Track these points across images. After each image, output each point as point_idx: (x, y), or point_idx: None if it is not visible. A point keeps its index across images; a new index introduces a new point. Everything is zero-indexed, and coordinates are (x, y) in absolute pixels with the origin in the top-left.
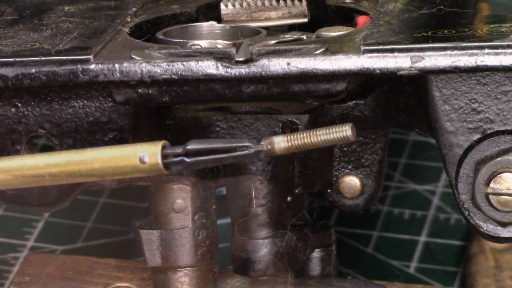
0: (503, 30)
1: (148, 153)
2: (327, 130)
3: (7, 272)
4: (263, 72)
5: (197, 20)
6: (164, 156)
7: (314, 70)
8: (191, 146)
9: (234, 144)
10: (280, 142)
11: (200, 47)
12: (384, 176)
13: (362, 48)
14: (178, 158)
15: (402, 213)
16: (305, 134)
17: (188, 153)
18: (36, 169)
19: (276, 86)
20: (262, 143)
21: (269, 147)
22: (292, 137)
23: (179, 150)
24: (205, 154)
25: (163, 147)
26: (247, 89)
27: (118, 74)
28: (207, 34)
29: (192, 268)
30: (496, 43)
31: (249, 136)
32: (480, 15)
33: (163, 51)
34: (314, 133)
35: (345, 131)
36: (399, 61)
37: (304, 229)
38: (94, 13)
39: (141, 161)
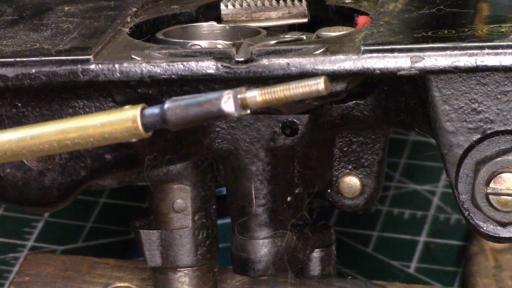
0: (503, 30)
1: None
2: (300, 84)
3: (7, 272)
4: (263, 72)
5: (197, 20)
6: (143, 119)
7: (314, 70)
8: (169, 104)
9: (211, 109)
10: (255, 96)
11: (200, 47)
12: (384, 176)
13: (362, 48)
14: (158, 121)
15: (402, 213)
16: (278, 88)
17: (167, 112)
18: (23, 141)
19: None
20: (238, 95)
21: (243, 99)
22: (265, 90)
23: (156, 110)
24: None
25: (142, 110)
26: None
27: (118, 74)
28: (207, 34)
29: (192, 268)
30: (496, 43)
31: (249, 136)
32: (480, 15)
33: (163, 51)
34: (287, 86)
35: (318, 84)
36: (399, 61)
37: (304, 229)
38: (94, 13)
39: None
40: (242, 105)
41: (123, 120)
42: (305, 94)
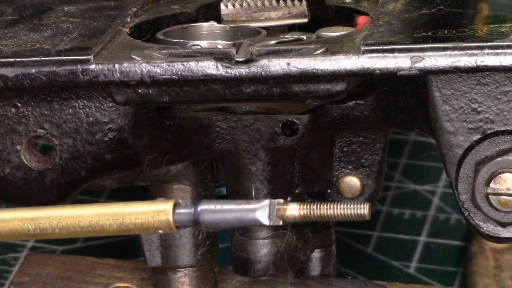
0: (503, 30)
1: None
2: (344, 206)
3: (7, 272)
4: (263, 72)
5: (197, 20)
6: (175, 216)
7: (314, 70)
8: (203, 207)
9: (245, 217)
10: (294, 210)
11: (200, 47)
12: (384, 176)
13: (362, 48)
14: (190, 221)
15: (402, 213)
16: (320, 206)
17: (199, 213)
18: (50, 221)
19: (276, 86)
20: (278, 220)
21: (281, 216)
22: (306, 206)
23: (191, 214)
24: (216, 224)
25: (174, 207)
26: (247, 89)
27: (118, 74)
28: (207, 35)
29: (192, 268)
30: (496, 43)
31: (249, 136)
32: (480, 15)
33: (163, 51)
34: (331, 206)
35: (362, 209)
36: (399, 61)
37: (304, 229)
38: (94, 13)
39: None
40: (278, 216)
41: (155, 213)
42: (347, 216)
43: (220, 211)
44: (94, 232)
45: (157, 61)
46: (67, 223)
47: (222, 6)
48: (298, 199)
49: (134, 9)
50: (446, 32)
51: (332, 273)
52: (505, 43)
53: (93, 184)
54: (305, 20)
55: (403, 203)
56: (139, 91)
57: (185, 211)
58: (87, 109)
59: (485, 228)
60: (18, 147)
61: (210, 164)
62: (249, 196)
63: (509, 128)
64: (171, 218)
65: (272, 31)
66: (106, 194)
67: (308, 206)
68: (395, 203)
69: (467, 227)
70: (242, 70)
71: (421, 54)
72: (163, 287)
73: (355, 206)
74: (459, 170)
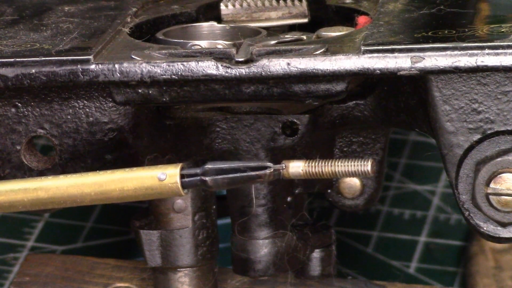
0: (503, 30)
1: (167, 174)
2: (347, 163)
3: (7, 272)
4: (263, 72)
5: (197, 20)
6: (182, 176)
7: (314, 70)
8: (209, 166)
9: (252, 164)
10: (299, 167)
11: (200, 47)
12: (384, 176)
13: (362, 48)
14: (197, 178)
15: (402, 213)
16: (324, 163)
17: (206, 174)
18: (54, 190)
19: (276, 86)
20: (282, 164)
21: (286, 170)
22: (310, 163)
23: (197, 170)
24: (223, 174)
25: (182, 168)
26: (247, 89)
27: (118, 74)
28: (207, 35)
29: (192, 268)
30: (496, 43)
31: (249, 136)
32: (480, 15)
33: (163, 51)
34: (334, 163)
35: (365, 166)
36: (399, 61)
37: (304, 229)
38: (94, 13)
39: (160, 179)
40: (282, 174)
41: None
42: (351, 173)
43: (226, 164)
44: (101, 199)
45: (157, 61)
46: (74, 191)
47: (222, 6)
48: (298, 199)
49: (134, 9)
50: (446, 32)
51: (332, 273)
52: (505, 43)
53: None
54: (305, 20)
55: (403, 203)
56: (139, 91)
57: (191, 171)
58: (87, 109)
59: (485, 228)
60: (18, 147)
61: None
62: (249, 196)
63: (509, 128)
64: (178, 180)
65: (272, 31)
66: None
67: (313, 164)
68: (395, 203)
69: (467, 227)
70: (242, 70)
71: (421, 54)
72: (163, 287)
73: (358, 163)
74: (459, 170)
